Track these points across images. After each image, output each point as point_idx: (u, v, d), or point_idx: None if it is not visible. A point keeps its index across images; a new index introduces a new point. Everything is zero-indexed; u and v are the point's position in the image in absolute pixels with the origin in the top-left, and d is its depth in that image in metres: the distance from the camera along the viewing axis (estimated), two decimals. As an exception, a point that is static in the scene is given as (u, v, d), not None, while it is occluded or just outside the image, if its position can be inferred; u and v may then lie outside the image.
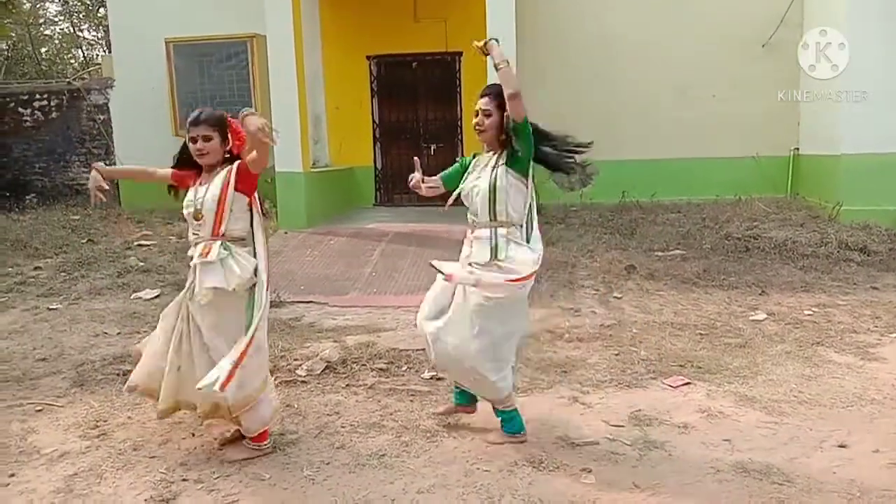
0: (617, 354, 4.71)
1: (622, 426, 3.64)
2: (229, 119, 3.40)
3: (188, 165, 3.46)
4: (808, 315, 5.52)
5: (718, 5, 9.94)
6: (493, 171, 3.32)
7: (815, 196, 9.33)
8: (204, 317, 3.27)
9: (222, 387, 3.05)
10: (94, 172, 3.50)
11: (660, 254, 7.41)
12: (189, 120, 3.34)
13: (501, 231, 3.29)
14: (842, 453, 3.32)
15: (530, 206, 3.37)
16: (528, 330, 3.58)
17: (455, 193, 3.53)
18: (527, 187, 3.34)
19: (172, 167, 3.54)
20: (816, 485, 3.02)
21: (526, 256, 3.28)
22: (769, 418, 3.71)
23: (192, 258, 3.35)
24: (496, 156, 3.39)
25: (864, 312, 5.58)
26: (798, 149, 10.02)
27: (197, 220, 3.31)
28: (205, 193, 3.29)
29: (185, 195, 3.41)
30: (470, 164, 3.56)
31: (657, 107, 10.14)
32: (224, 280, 3.21)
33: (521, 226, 3.32)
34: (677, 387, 4.15)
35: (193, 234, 3.37)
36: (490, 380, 3.31)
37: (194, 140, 3.31)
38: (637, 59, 10.08)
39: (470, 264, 3.35)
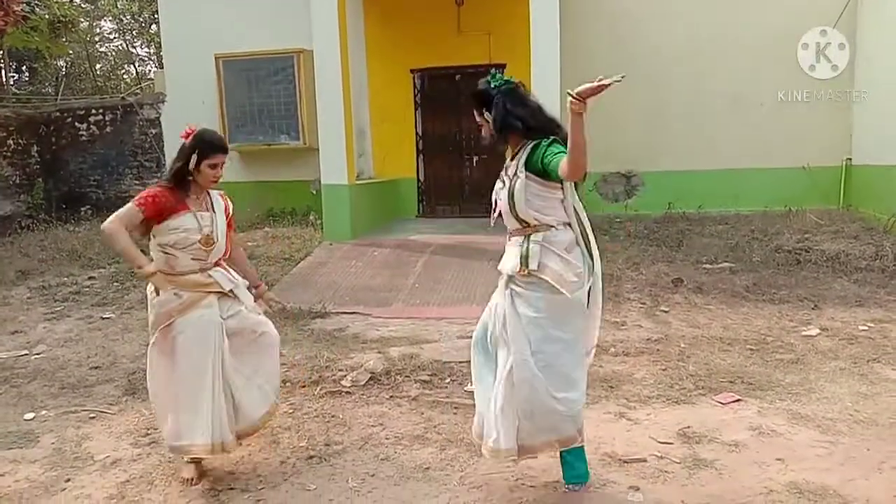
0: (664, 369, 4.63)
1: (671, 443, 3.57)
2: None
3: (177, 187, 3.24)
4: (863, 330, 5.34)
5: (769, 13, 9.75)
6: (514, 175, 2.96)
7: (868, 207, 9.06)
8: (241, 333, 3.38)
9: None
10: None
11: (708, 266, 7.27)
12: (218, 145, 3.27)
13: (536, 237, 2.94)
14: (902, 476, 3.21)
15: (576, 210, 3.00)
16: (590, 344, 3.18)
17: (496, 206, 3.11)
18: (558, 189, 2.95)
19: (165, 185, 3.24)
20: (876, 508, 2.92)
21: (560, 268, 2.90)
22: (824, 437, 3.60)
23: (208, 283, 3.25)
24: (516, 155, 3.01)
25: (923, 329, 5.38)
26: (850, 158, 9.74)
27: (208, 246, 3.25)
28: (214, 221, 3.28)
29: (173, 222, 3.17)
30: None
31: (704, 117, 9.98)
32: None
33: (560, 230, 2.96)
34: (727, 403, 4.06)
35: (194, 259, 3.23)
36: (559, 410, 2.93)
37: (214, 167, 3.23)
38: (685, 69, 9.95)
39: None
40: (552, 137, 2.89)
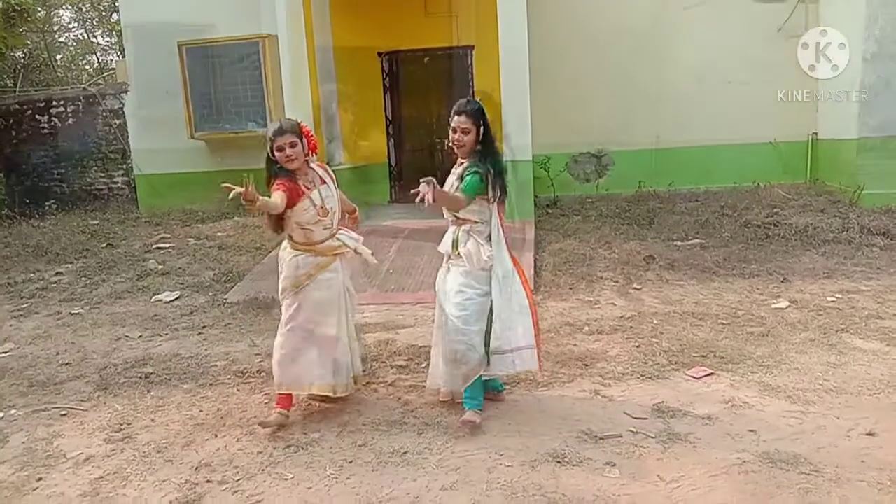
0: (638, 346, 4.68)
1: (645, 418, 3.61)
2: (301, 125, 3.77)
3: (277, 175, 3.70)
4: (832, 302, 5.44)
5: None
6: (454, 182, 3.73)
7: (835, 181, 9.19)
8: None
9: None
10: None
11: (679, 243, 7.34)
12: (273, 131, 3.64)
13: (465, 227, 3.69)
14: (870, 441, 3.28)
15: (492, 214, 3.68)
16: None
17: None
18: (487, 200, 3.65)
19: (270, 180, 3.72)
20: (845, 474, 2.98)
21: (479, 252, 3.62)
22: (795, 407, 3.67)
23: (329, 246, 3.78)
24: (464, 165, 3.73)
25: (888, 298, 5.49)
26: (816, 133, 9.85)
27: (324, 216, 3.73)
28: (326, 194, 3.77)
29: (299, 206, 3.68)
30: None
31: (673, 95, 9.99)
32: None
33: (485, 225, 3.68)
34: (700, 378, 4.11)
35: (312, 227, 3.72)
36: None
37: (281, 148, 3.62)
38: (653, 47, 9.96)
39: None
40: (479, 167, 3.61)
